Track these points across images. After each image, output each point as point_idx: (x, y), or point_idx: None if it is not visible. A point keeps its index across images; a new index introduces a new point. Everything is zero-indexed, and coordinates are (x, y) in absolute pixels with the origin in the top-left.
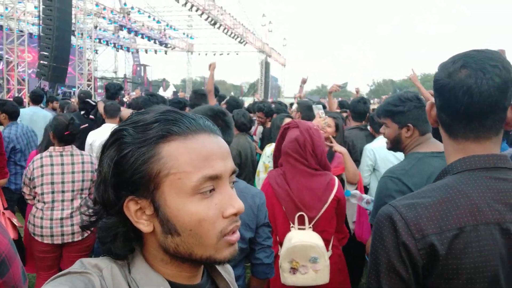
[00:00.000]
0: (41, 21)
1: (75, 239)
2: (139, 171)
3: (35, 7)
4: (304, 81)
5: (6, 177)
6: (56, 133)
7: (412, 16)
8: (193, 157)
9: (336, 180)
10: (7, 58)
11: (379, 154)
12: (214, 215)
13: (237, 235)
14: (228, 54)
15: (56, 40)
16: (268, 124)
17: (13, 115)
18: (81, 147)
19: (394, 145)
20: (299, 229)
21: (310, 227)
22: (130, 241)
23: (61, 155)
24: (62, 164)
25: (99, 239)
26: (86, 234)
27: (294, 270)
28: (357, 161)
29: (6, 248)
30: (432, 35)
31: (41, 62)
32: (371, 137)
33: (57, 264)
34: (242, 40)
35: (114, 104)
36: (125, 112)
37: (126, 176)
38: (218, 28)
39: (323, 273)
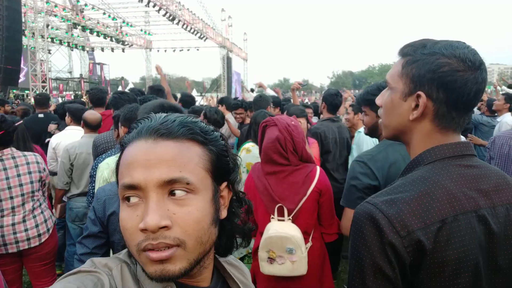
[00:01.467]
0: None
1: (32, 245)
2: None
3: None
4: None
5: None
6: None
7: (371, 6)
8: (121, 164)
9: (318, 171)
10: None
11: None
12: (132, 226)
13: (157, 254)
14: (188, 50)
15: (6, 40)
16: (247, 120)
17: None
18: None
19: (371, 131)
20: (278, 220)
21: (290, 219)
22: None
23: (1, 160)
24: (5, 169)
25: None
26: (44, 239)
27: (271, 260)
28: (329, 152)
29: None
30: (390, 26)
31: None
32: (342, 128)
33: (19, 278)
34: (202, 36)
35: (83, 109)
36: (89, 114)
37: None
38: (177, 23)
39: (300, 264)
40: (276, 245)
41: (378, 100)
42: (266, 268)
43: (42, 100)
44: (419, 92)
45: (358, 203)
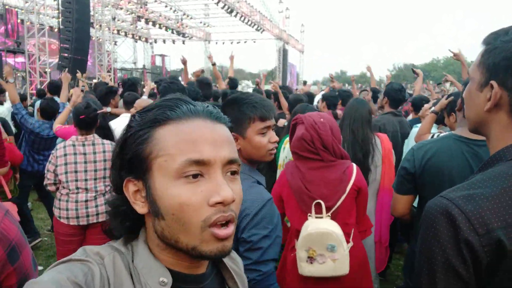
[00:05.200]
0: (60, 14)
1: (100, 220)
2: (134, 151)
3: (54, 0)
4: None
5: (6, 166)
6: (74, 119)
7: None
8: (180, 139)
9: (355, 168)
10: (29, 51)
11: None
12: (197, 202)
13: (226, 231)
14: (245, 42)
15: (76, 32)
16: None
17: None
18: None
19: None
20: (316, 218)
21: (328, 215)
22: (128, 221)
23: (83, 145)
24: (85, 154)
25: (107, 214)
26: None
27: (311, 259)
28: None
29: (16, 236)
30: (453, 21)
31: (62, 54)
32: (403, 123)
33: None
34: (259, 28)
35: (132, 94)
36: (141, 101)
37: (125, 157)
38: (235, 16)
39: (342, 262)
40: (317, 242)
41: (464, 93)
42: (306, 269)
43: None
44: (492, 82)
45: (400, 188)
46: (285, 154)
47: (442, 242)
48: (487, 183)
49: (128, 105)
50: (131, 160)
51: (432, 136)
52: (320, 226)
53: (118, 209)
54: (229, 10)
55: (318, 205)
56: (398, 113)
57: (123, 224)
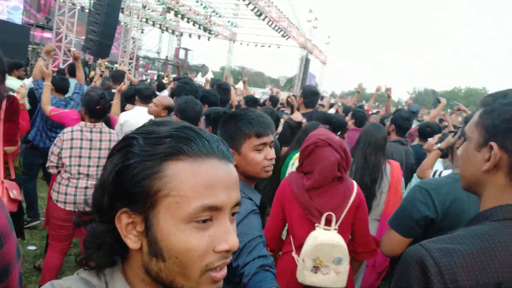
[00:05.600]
0: None
1: None
2: (139, 185)
3: None
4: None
5: (16, 145)
6: (88, 108)
7: (460, 29)
8: (197, 182)
9: (355, 185)
10: (57, 29)
11: None
12: (204, 247)
13: (223, 273)
14: (269, 46)
15: (105, 16)
16: None
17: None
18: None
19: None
20: (324, 229)
21: (336, 229)
22: (114, 254)
23: (91, 131)
24: (91, 140)
25: (84, 242)
26: None
27: (316, 268)
28: None
29: (2, 224)
30: (479, 50)
31: (89, 36)
32: (408, 152)
33: (72, 236)
34: (285, 34)
35: (149, 89)
36: (163, 98)
37: (125, 187)
38: (263, 19)
39: (343, 276)
40: (326, 253)
41: (459, 151)
42: (309, 278)
43: (117, 77)
44: (491, 143)
45: (408, 231)
46: (294, 169)
47: None
48: (467, 240)
49: (142, 98)
50: (134, 193)
51: (435, 173)
52: (332, 238)
53: (103, 240)
54: (258, 13)
55: (328, 217)
56: (405, 142)
57: (109, 258)
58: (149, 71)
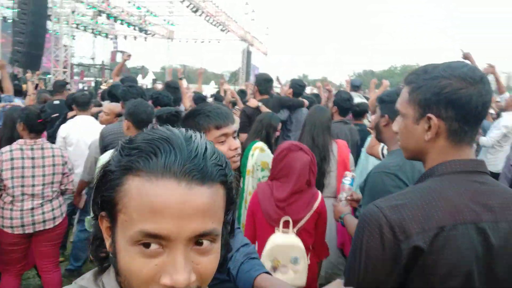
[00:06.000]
0: (16, 5)
1: (47, 227)
2: (107, 193)
3: None
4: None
5: None
6: (27, 123)
7: (394, 5)
8: (142, 203)
9: (320, 195)
10: None
11: None
12: (148, 275)
13: None
14: (209, 42)
15: (31, 25)
16: None
17: None
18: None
19: (375, 132)
20: (283, 232)
21: (294, 231)
22: (102, 251)
23: (32, 149)
24: (33, 158)
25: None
26: (58, 222)
27: (274, 268)
28: None
29: None
30: (413, 26)
31: (15, 48)
32: (353, 131)
33: (26, 257)
34: (224, 28)
35: (84, 95)
36: (112, 106)
37: (101, 190)
38: (200, 15)
39: (302, 275)
40: (283, 253)
41: (395, 127)
42: None
43: (58, 87)
44: (429, 115)
45: None
46: (254, 160)
47: (370, 243)
48: (413, 195)
49: (80, 107)
50: (104, 200)
51: (383, 148)
52: (287, 240)
53: (96, 233)
54: (194, 9)
55: (286, 222)
56: (348, 122)
57: (97, 253)
58: (85, 78)
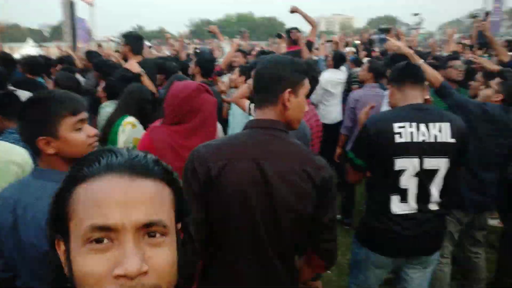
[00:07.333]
0: None
1: None
2: (59, 211)
3: None
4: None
5: None
6: None
7: None
8: (87, 201)
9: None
10: None
11: None
12: (100, 272)
13: None
14: None
15: None
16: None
17: None
18: None
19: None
20: None
21: None
22: (62, 276)
23: None
24: None
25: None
26: None
27: None
28: None
29: None
30: None
31: None
32: (216, 93)
33: None
34: None
35: None
36: None
37: (55, 212)
38: None
39: None
40: None
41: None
42: None
43: None
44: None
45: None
46: (126, 137)
47: (188, 169)
48: (225, 139)
49: None
50: (56, 218)
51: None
52: None
53: (52, 259)
54: None
55: None
56: (210, 83)
57: (56, 283)
58: None
